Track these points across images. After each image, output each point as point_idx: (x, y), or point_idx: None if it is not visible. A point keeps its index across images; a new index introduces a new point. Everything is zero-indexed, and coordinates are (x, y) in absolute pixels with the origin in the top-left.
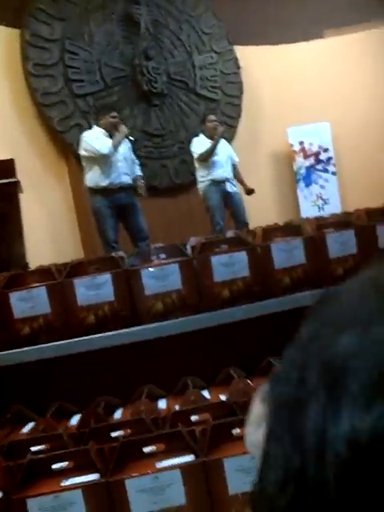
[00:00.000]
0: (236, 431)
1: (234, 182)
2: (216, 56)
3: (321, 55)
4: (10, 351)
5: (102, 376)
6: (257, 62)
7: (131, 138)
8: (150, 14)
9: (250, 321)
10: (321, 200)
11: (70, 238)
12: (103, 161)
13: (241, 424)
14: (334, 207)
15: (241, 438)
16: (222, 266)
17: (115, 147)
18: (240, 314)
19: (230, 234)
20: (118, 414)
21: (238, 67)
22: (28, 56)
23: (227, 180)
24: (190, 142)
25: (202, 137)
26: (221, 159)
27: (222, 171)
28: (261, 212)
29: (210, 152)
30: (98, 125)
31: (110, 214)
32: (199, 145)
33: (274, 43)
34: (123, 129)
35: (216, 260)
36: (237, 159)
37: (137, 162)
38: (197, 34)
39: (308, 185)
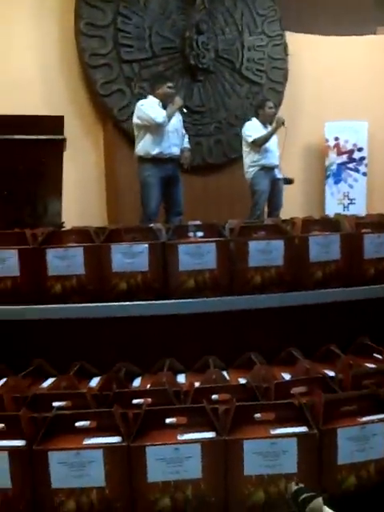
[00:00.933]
0: (257, 415)
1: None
2: (266, 39)
3: (370, 51)
4: (39, 306)
5: (124, 343)
6: (306, 50)
7: (185, 110)
8: None
9: (278, 310)
10: (347, 199)
11: (95, 203)
12: (156, 130)
13: (262, 409)
14: (359, 208)
15: (261, 422)
16: (258, 252)
17: (169, 117)
18: (269, 302)
19: (268, 221)
20: (137, 382)
21: (287, 54)
22: (81, 14)
23: (276, 166)
24: (228, 122)
25: (255, 121)
26: (272, 146)
27: (273, 158)
28: (286, 202)
29: (268, 138)
30: (153, 95)
31: (156, 183)
32: (254, 129)
33: (325, 33)
34: (178, 100)
35: (253, 245)
36: (280, 149)
37: (186, 135)
38: (250, 14)
39: (337, 182)
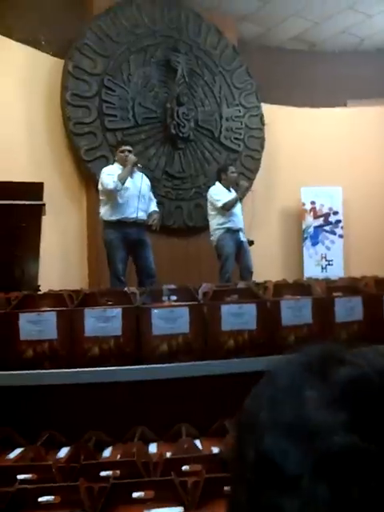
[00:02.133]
0: (228, 489)
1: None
2: (243, 110)
3: (341, 122)
4: (10, 372)
5: (96, 410)
6: (281, 120)
7: (139, 165)
8: (187, 62)
9: (252, 374)
10: (325, 260)
11: (77, 266)
12: (114, 195)
13: None
14: (337, 269)
15: None
16: (232, 315)
17: (121, 179)
18: (243, 366)
19: (241, 284)
20: (107, 452)
21: (263, 123)
22: (68, 86)
23: (241, 230)
24: (207, 187)
25: (219, 186)
26: (236, 209)
27: (238, 221)
28: (266, 265)
29: (235, 202)
30: (115, 161)
31: (120, 246)
32: (221, 194)
33: (299, 105)
34: (130, 158)
35: (226, 309)
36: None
37: (154, 199)
38: (228, 87)
39: (314, 244)
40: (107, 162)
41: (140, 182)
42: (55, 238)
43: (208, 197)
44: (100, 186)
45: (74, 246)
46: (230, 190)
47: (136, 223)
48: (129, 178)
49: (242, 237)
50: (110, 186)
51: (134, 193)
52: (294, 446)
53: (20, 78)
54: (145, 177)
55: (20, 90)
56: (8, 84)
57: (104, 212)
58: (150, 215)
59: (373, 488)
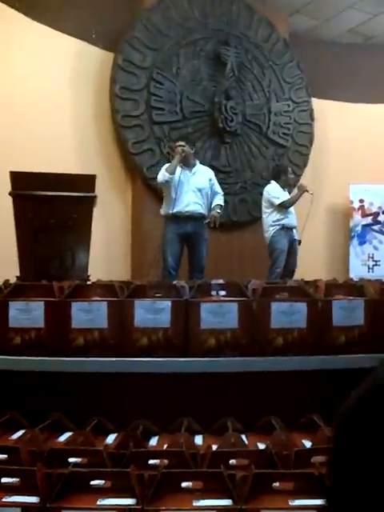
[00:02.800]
0: (276, 484)
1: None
2: (293, 105)
3: None
4: (61, 358)
5: (143, 400)
6: (331, 116)
7: (183, 153)
8: (237, 56)
9: (300, 373)
10: (372, 260)
11: (120, 258)
12: (171, 189)
13: (282, 477)
14: (383, 269)
15: (280, 491)
16: (281, 313)
17: (169, 171)
18: (290, 365)
19: (291, 282)
20: (153, 441)
21: (312, 119)
22: (117, 79)
23: (295, 228)
24: (253, 182)
25: (275, 184)
26: (292, 208)
27: (293, 219)
28: (311, 262)
29: (294, 202)
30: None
31: (174, 240)
32: (279, 192)
33: (350, 101)
34: (178, 149)
35: (276, 306)
36: None
37: (219, 192)
38: (278, 82)
39: (362, 243)
40: (154, 154)
41: (199, 177)
42: (100, 229)
43: (265, 194)
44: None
45: (119, 238)
46: (285, 190)
47: (192, 217)
48: (186, 173)
49: (296, 235)
50: (159, 178)
51: (189, 187)
52: None
53: (70, 70)
54: (205, 170)
55: (70, 82)
56: (59, 76)
57: (162, 207)
58: (211, 210)
59: None
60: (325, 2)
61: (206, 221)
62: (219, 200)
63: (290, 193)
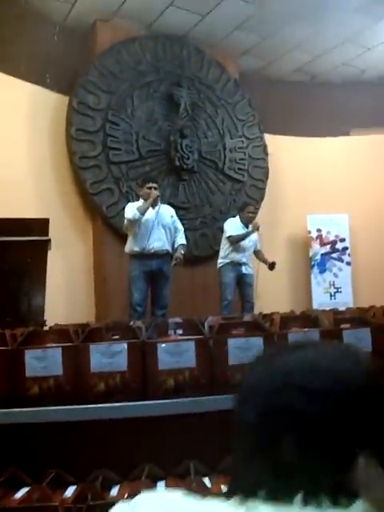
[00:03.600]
0: None
1: (250, 265)
2: (246, 141)
3: (345, 151)
4: (15, 409)
5: (102, 447)
6: (284, 150)
7: (159, 197)
8: (190, 96)
9: None
10: (333, 288)
11: (84, 299)
12: (137, 227)
13: None
14: (345, 296)
15: None
16: (238, 349)
17: (141, 212)
18: None
19: (247, 317)
20: (114, 491)
21: (266, 154)
22: (72, 121)
23: (244, 264)
24: (212, 217)
25: (236, 219)
26: (245, 244)
27: (242, 256)
28: (274, 293)
29: (241, 239)
30: (140, 196)
31: (140, 277)
32: (234, 227)
33: (302, 135)
34: (153, 193)
35: (232, 343)
36: (259, 247)
37: (181, 229)
38: (231, 119)
39: (322, 271)
40: (112, 194)
41: (163, 215)
42: (61, 271)
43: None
44: (124, 221)
45: (81, 279)
46: (247, 226)
47: (157, 254)
48: (151, 211)
49: (245, 269)
50: (129, 215)
51: (154, 224)
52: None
53: (25, 114)
54: (167, 208)
55: (26, 126)
56: (14, 120)
57: (126, 245)
58: (175, 249)
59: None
60: (271, 45)
61: (173, 263)
62: (182, 239)
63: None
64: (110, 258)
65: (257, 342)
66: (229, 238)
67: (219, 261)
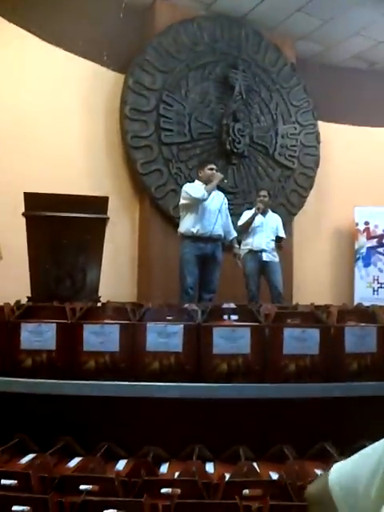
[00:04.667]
0: None
1: (274, 252)
2: (299, 127)
3: None
4: (72, 381)
5: (153, 425)
6: (336, 139)
7: (225, 180)
8: (245, 79)
9: (312, 400)
10: (377, 283)
11: (127, 277)
12: (197, 208)
13: (297, 510)
14: None
15: None
16: (294, 339)
17: (209, 192)
18: (303, 392)
19: (303, 308)
20: (164, 468)
21: (319, 141)
22: (127, 100)
23: (264, 251)
24: None
25: (253, 210)
26: (262, 230)
27: (260, 242)
28: (314, 284)
29: (245, 226)
30: (198, 178)
31: (193, 260)
32: (243, 215)
33: (356, 124)
34: (217, 175)
35: (288, 332)
36: (282, 234)
37: (229, 217)
38: (285, 105)
39: (367, 265)
40: (162, 175)
41: (217, 200)
42: (107, 249)
43: None
44: (182, 201)
45: (125, 257)
46: (263, 214)
47: (211, 238)
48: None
49: (266, 257)
50: (198, 194)
51: (212, 209)
52: None
53: (82, 91)
54: (218, 192)
55: (81, 103)
56: (71, 97)
57: (182, 225)
58: (231, 241)
59: None
60: (330, 29)
61: (236, 259)
62: (234, 232)
63: (264, 215)
64: (155, 239)
65: (313, 334)
66: (237, 227)
67: (241, 250)
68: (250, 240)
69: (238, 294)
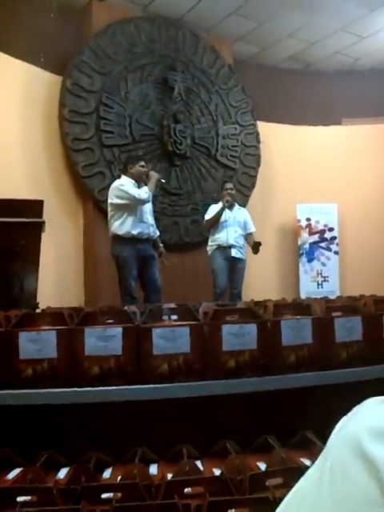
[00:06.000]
0: (231, 511)
1: (242, 249)
2: (239, 128)
3: (336, 140)
4: (9, 391)
5: (95, 430)
6: (276, 138)
7: (163, 180)
8: (184, 81)
9: (253, 394)
10: (321, 277)
11: (73, 281)
12: (136, 209)
13: (237, 504)
14: (333, 285)
15: None
16: (232, 335)
17: (151, 192)
18: (243, 387)
19: (241, 304)
20: (107, 473)
21: (259, 141)
22: (65, 102)
23: (232, 246)
24: (204, 203)
25: (219, 203)
26: (230, 226)
27: (228, 238)
28: (262, 281)
29: (214, 220)
30: (126, 174)
31: (133, 263)
32: (210, 210)
33: (294, 123)
34: (154, 174)
35: (227, 329)
36: (252, 229)
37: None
38: (224, 106)
39: (310, 260)
40: (104, 177)
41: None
42: (51, 255)
43: None
44: (116, 200)
45: (70, 262)
46: (230, 208)
47: (148, 239)
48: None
49: (235, 253)
50: (143, 196)
51: (146, 209)
52: None
53: (18, 94)
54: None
55: (18, 105)
56: (6, 100)
57: (118, 227)
58: (156, 242)
59: None
60: (266, 31)
61: (162, 256)
62: (157, 230)
63: (230, 209)
64: (100, 242)
65: (251, 329)
66: (204, 222)
67: (208, 247)
68: (217, 236)
69: (184, 294)
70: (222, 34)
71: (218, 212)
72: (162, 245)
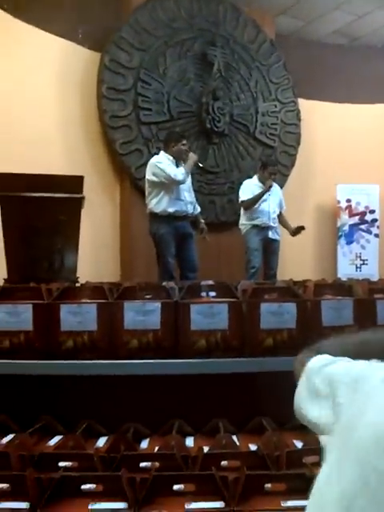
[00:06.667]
0: (268, 486)
1: (278, 229)
2: (279, 105)
3: (380, 119)
4: (50, 361)
5: (133, 402)
6: (318, 116)
7: (200, 164)
8: (223, 57)
9: (289, 373)
10: (359, 260)
11: (109, 258)
12: (172, 188)
13: (274, 479)
14: (371, 268)
15: (272, 492)
16: (271, 314)
17: (188, 174)
18: (281, 365)
19: (280, 283)
20: (144, 444)
21: (299, 119)
22: (103, 79)
23: (270, 227)
24: (241, 182)
25: (254, 179)
26: (267, 206)
27: (266, 219)
28: (298, 262)
29: (254, 202)
30: (166, 152)
31: (172, 241)
32: (247, 189)
33: (337, 101)
34: (192, 156)
35: (265, 307)
36: (284, 207)
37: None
38: (265, 82)
39: (349, 242)
40: (142, 155)
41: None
42: (89, 231)
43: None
44: (153, 177)
45: (107, 239)
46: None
47: (186, 217)
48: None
49: (272, 234)
50: (179, 177)
51: (184, 186)
52: None
53: (57, 71)
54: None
55: (56, 83)
56: (45, 77)
57: (155, 205)
58: (197, 218)
59: None
60: (310, 4)
61: (203, 233)
62: (198, 206)
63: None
64: (137, 220)
65: (290, 308)
66: (242, 203)
67: (241, 226)
68: (256, 215)
69: (219, 272)
70: (264, 7)
71: (259, 195)
72: (203, 221)
